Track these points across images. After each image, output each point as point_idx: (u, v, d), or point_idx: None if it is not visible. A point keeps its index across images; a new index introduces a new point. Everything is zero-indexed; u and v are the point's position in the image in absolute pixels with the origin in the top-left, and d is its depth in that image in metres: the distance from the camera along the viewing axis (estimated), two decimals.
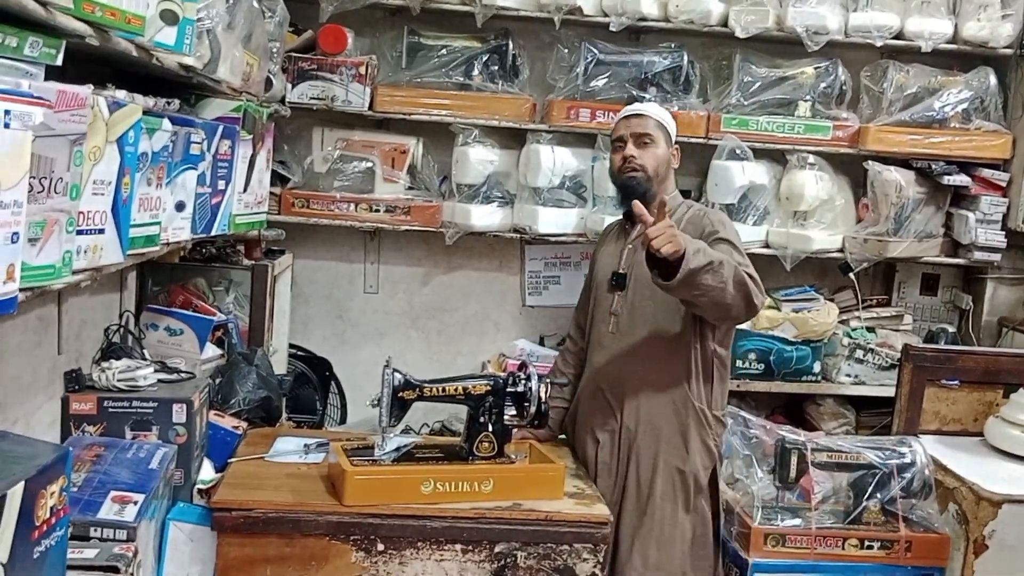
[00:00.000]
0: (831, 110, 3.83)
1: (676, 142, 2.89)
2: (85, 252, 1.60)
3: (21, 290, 1.34)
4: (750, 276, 2.58)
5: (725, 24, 3.73)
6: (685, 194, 3.92)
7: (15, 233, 1.24)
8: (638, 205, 2.55)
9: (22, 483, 1.30)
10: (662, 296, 2.70)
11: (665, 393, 2.79)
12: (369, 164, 3.78)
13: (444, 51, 3.75)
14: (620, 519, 2.77)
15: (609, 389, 2.85)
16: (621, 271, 2.88)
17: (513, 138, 3.86)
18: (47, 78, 1.44)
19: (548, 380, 2.56)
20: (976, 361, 3.45)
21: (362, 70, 3.63)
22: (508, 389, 2.47)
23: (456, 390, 2.46)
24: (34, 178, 1.32)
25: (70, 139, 1.41)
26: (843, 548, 2.88)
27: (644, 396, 2.79)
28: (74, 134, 1.42)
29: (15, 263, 1.26)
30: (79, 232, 1.55)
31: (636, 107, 2.99)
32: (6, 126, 1.17)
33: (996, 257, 3.82)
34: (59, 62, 1.47)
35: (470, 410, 2.47)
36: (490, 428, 2.45)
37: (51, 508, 1.41)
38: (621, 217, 3.05)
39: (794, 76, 3.81)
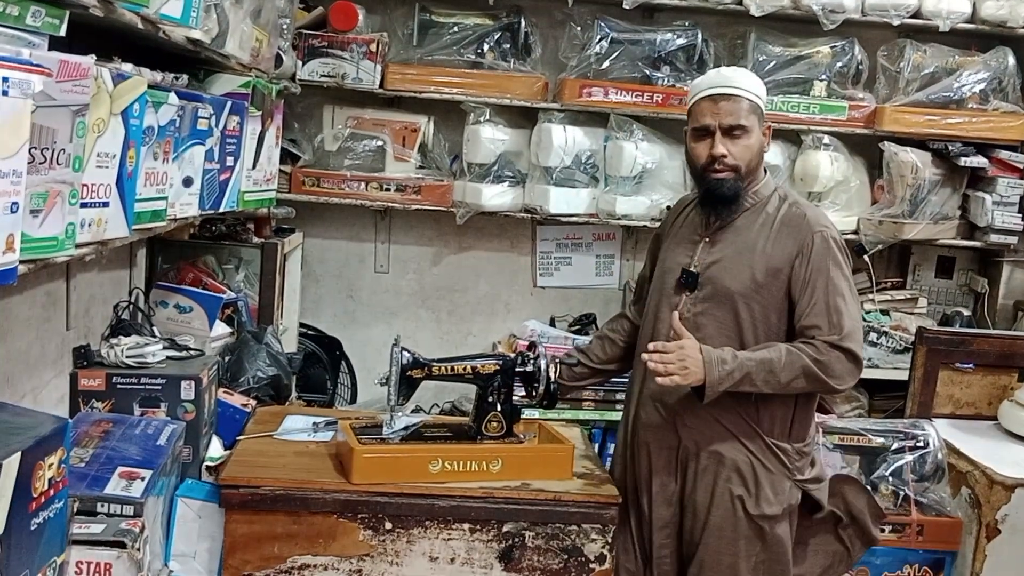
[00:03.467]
0: (847, 90, 3.80)
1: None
2: (89, 225, 1.59)
3: (23, 262, 1.33)
4: (836, 345, 2.25)
5: (740, 2, 3.69)
6: None
7: (14, 203, 1.23)
8: (676, 322, 2.31)
9: (19, 454, 1.30)
10: (741, 306, 2.34)
11: (730, 418, 2.35)
12: (380, 142, 3.76)
13: (456, 29, 3.73)
14: (680, 546, 2.45)
15: (667, 402, 2.41)
16: (693, 269, 2.41)
17: (525, 117, 3.84)
18: (52, 50, 1.42)
19: (557, 360, 2.53)
20: (991, 344, 3.42)
21: (373, 47, 3.61)
22: (517, 369, 2.45)
23: (464, 369, 2.44)
24: (35, 148, 1.31)
25: (72, 110, 1.39)
26: None
27: (707, 417, 2.35)
28: (76, 105, 1.40)
29: (15, 233, 1.25)
30: (83, 205, 1.53)
31: (725, 81, 2.38)
32: (4, 94, 1.15)
33: (1013, 240, 3.79)
34: (63, 33, 1.45)
35: (479, 389, 2.45)
36: (499, 408, 2.43)
37: (49, 480, 1.41)
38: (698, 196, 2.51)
39: (810, 55, 3.78)
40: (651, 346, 2.31)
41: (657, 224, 3.71)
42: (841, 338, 2.26)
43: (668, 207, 3.67)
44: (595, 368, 2.69)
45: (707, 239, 2.43)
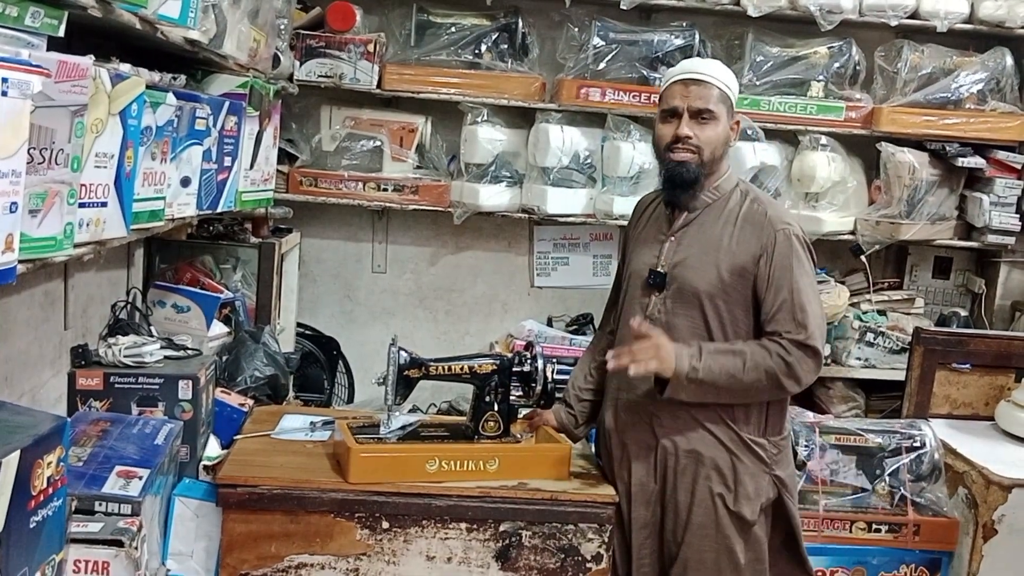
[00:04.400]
0: (844, 90, 3.80)
1: None
2: (87, 225, 1.59)
3: (22, 262, 1.34)
4: (802, 344, 2.27)
5: (737, 3, 3.69)
6: None
7: (14, 203, 1.23)
8: (637, 323, 2.31)
9: (18, 452, 1.30)
10: (708, 304, 2.35)
11: (706, 415, 2.35)
12: (377, 143, 3.77)
13: (453, 29, 3.73)
14: (661, 545, 2.44)
15: (643, 403, 2.41)
16: (660, 269, 2.41)
17: (522, 117, 3.84)
18: (51, 50, 1.42)
19: (555, 359, 2.53)
20: (988, 345, 3.43)
21: (370, 48, 3.61)
22: (514, 368, 2.45)
23: (462, 369, 2.45)
24: (34, 148, 1.31)
25: (71, 110, 1.40)
26: (851, 531, 2.87)
27: (683, 415, 2.36)
28: (75, 105, 1.40)
29: (14, 233, 1.25)
30: (81, 205, 1.54)
31: (698, 68, 2.41)
32: (3, 94, 1.16)
33: (1010, 240, 3.79)
34: (61, 33, 1.45)
35: (476, 389, 2.45)
36: (496, 407, 2.43)
37: (48, 478, 1.41)
38: (661, 192, 2.53)
39: (807, 56, 3.78)
40: (611, 354, 2.34)
41: None
42: (807, 337, 2.28)
43: None
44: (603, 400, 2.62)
45: (672, 238, 2.43)
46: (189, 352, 2.56)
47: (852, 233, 3.84)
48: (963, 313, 3.97)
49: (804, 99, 3.76)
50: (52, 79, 1.32)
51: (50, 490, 1.44)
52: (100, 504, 1.86)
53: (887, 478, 2.96)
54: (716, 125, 2.36)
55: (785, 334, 2.29)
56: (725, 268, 2.34)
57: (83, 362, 2.37)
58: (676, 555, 2.39)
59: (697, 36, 3.74)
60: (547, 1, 3.79)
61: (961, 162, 3.72)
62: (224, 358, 2.82)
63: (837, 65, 3.78)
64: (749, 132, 3.67)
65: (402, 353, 2.38)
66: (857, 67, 3.81)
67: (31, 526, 1.39)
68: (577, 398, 2.62)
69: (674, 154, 2.36)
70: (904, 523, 2.88)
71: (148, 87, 1.77)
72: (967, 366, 3.44)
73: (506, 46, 3.75)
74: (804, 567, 2.50)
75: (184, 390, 2.35)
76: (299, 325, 3.91)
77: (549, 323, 4.05)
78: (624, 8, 3.65)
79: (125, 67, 1.72)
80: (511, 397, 2.46)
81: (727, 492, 2.35)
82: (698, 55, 3.72)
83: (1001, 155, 3.76)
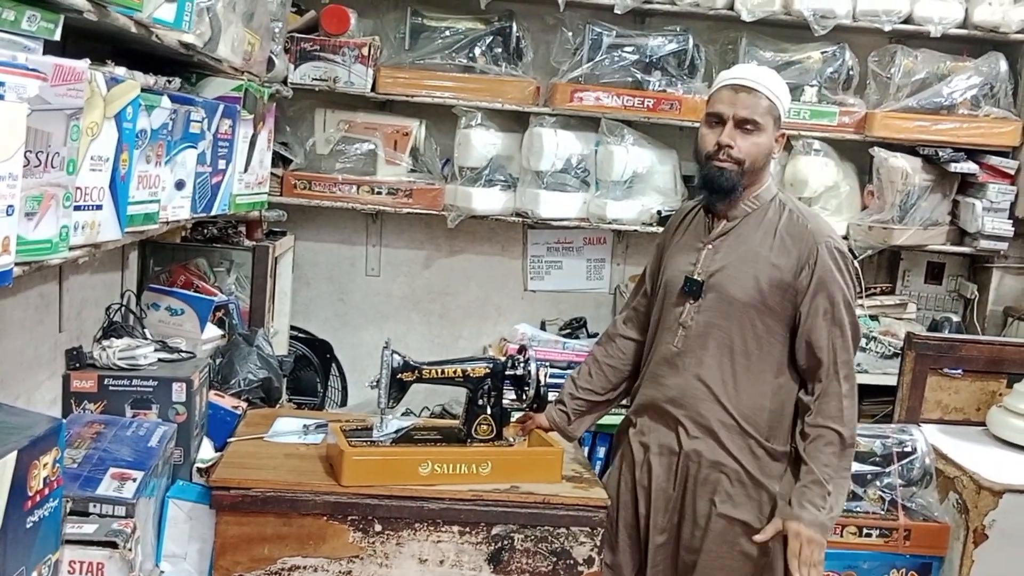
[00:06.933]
0: (837, 95, 3.81)
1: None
2: (83, 228, 1.59)
3: (18, 264, 1.34)
4: (847, 396, 2.30)
5: (731, 7, 3.70)
6: (689, 180, 3.94)
7: (10, 206, 1.23)
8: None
9: (14, 453, 1.31)
10: (743, 314, 2.33)
11: (736, 426, 2.35)
12: (371, 146, 3.77)
13: (447, 33, 3.74)
14: (676, 552, 2.44)
15: (672, 411, 2.40)
16: (697, 277, 2.39)
17: (516, 121, 3.85)
18: (47, 54, 1.43)
19: (548, 363, 2.53)
20: (979, 350, 3.44)
21: (365, 51, 3.62)
22: (507, 372, 2.46)
23: (455, 372, 2.45)
24: (30, 152, 1.32)
25: (67, 113, 1.40)
26: (842, 536, 2.88)
27: (712, 425, 2.35)
28: (71, 108, 1.41)
29: (10, 236, 1.26)
30: (76, 208, 1.54)
31: (750, 75, 2.37)
32: (0, 98, 1.16)
33: (1003, 246, 3.80)
34: (57, 37, 1.46)
35: (469, 393, 2.46)
36: (489, 411, 2.44)
37: (44, 479, 1.42)
38: (699, 201, 2.53)
39: (800, 61, 3.79)
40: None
41: (649, 229, 3.74)
42: (844, 379, 2.30)
43: (659, 212, 3.70)
44: (599, 401, 2.63)
45: (710, 245, 2.40)
46: (183, 355, 2.57)
47: (845, 238, 3.84)
48: (955, 318, 3.98)
49: (797, 104, 3.76)
50: (48, 82, 1.32)
51: (46, 491, 1.44)
52: (94, 506, 1.87)
53: (878, 483, 2.97)
54: (760, 136, 2.32)
55: (822, 376, 2.30)
56: (764, 279, 2.32)
57: (77, 364, 2.37)
58: (692, 563, 2.39)
59: (691, 41, 3.75)
60: (541, 5, 3.80)
61: (954, 167, 3.73)
62: (218, 361, 2.82)
63: (830, 70, 3.80)
64: None
65: (395, 356, 2.39)
66: (850, 72, 3.82)
67: (28, 526, 1.40)
68: (571, 396, 2.61)
69: (715, 161, 2.32)
70: (895, 528, 2.89)
71: (143, 90, 1.77)
72: (959, 371, 3.45)
73: (500, 50, 3.76)
74: None
75: (178, 393, 2.35)
76: (293, 328, 3.91)
77: (542, 327, 4.06)
78: (618, 12, 3.66)
79: (120, 70, 1.72)
80: (504, 401, 2.47)
81: (748, 500, 2.35)
82: (692, 60, 3.74)
83: (994, 160, 3.77)
